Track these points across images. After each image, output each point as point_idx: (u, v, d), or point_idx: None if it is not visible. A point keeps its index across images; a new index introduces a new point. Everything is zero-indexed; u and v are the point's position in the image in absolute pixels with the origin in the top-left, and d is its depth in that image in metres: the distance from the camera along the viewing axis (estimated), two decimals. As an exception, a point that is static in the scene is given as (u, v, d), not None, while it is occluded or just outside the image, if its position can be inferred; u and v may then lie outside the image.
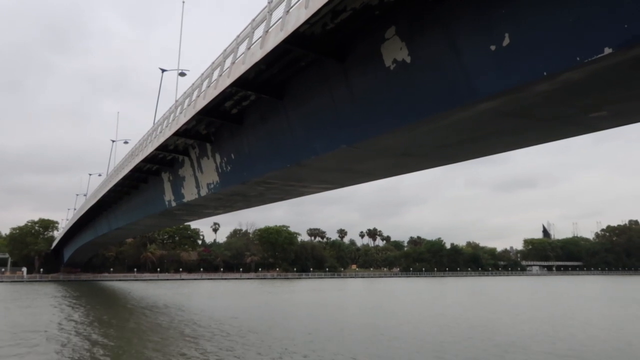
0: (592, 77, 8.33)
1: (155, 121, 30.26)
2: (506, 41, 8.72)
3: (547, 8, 8.03)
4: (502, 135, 12.41)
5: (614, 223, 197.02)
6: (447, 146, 13.84)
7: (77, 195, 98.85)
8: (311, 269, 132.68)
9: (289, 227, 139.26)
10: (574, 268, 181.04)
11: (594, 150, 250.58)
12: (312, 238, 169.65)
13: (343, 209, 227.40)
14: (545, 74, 8.34)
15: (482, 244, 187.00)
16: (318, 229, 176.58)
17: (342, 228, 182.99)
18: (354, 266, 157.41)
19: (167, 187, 29.52)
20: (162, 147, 24.61)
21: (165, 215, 35.31)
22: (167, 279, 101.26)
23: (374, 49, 11.59)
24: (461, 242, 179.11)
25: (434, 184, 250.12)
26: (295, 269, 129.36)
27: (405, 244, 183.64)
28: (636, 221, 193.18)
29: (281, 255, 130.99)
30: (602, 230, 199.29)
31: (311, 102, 14.84)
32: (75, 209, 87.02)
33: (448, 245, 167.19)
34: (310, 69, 14.38)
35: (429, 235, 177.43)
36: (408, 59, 10.74)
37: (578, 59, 7.77)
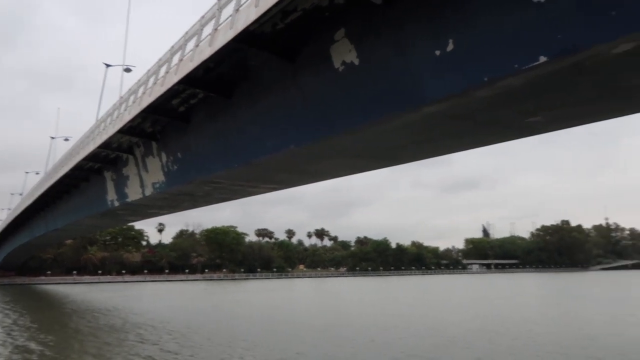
0: (529, 83, 8.81)
1: (98, 118, 29.15)
2: (450, 47, 9.07)
3: (488, 17, 8.42)
4: (447, 137, 12.88)
5: (548, 223, 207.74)
6: (395, 147, 14.20)
7: (12, 194, 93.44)
8: (258, 270, 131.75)
9: (236, 227, 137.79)
10: (510, 266, 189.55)
11: (531, 154, 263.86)
12: (260, 238, 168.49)
13: (292, 209, 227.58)
14: (486, 79, 8.74)
15: (426, 244, 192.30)
16: (266, 229, 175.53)
17: (291, 228, 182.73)
18: (301, 266, 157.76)
19: (110, 186, 28.48)
20: (105, 145, 23.72)
21: (108, 216, 34.05)
22: (109, 282, 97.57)
23: (323, 50, 11.71)
24: (406, 242, 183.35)
25: (381, 185, 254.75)
26: (242, 270, 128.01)
27: (353, 244, 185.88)
28: (567, 221, 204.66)
29: (228, 255, 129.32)
30: (537, 230, 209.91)
31: (261, 101, 14.79)
32: (9, 209, 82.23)
33: (393, 245, 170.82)
34: (260, 69, 14.33)
35: (376, 235, 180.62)
36: (357, 61, 10.94)
37: (516, 66, 8.20)
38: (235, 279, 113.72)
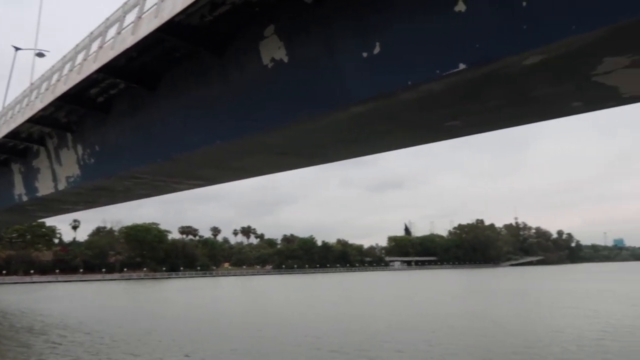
0: (449, 89, 9.24)
1: (5, 105, 26.91)
2: (377, 49, 9.31)
3: (412, 23, 8.74)
4: (372, 138, 13.21)
5: (464, 222, 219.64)
6: (322, 146, 14.34)
7: None
8: (182, 268, 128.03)
9: (159, 224, 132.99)
10: (430, 263, 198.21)
11: (451, 156, 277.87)
12: (184, 236, 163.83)
13: (219, 207, 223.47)
14: (409, 83, 9.06)
15: (351, 242, 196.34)
16: (190, 227, 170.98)
17: (216, 226, 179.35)
18: (226, 264, 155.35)
19: (18, 179, 26.39)
20: (13, 135, 21.94)
21: (15, 211, 31.51)
22: (15, 282, 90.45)
23: (252, 46, 11.59)
24: (332, 240, 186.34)
25: (309, 183, 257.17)
26: (164, 269, 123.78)
27: (279, 242, 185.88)
28: (482, 220, 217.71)
29: (149, 254, 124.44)
30: (454, 228, 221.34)
31: (187, 95, 14.37)
32: None
33: (320, 243, 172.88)
34: (187, 61, 13.92)
35: (303, 233, 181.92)
36: (286, 59, 10.93)
37: (438, 71, 8.57)
38: (157, 278, 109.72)
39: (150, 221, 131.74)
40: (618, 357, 17.27)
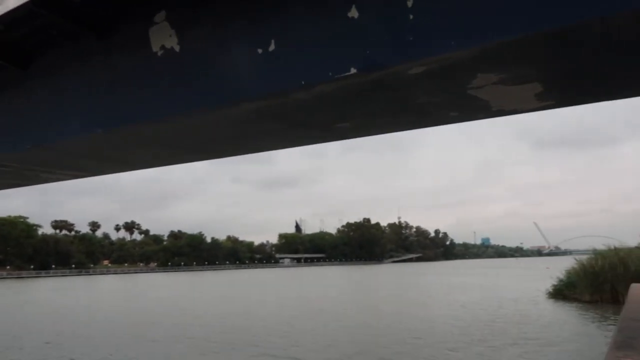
0: (341, 91, 9.52)
1: None
2: (272, 47, 9.30)
3: (307, 23, 8.87)
4: (266, 135, 13.16)
5: (353, 220, 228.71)
6: (211, 141, 13.98)
7: None
8: (53, 266, 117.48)
9: (27, 218, 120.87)
10: (318, 260, 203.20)
11: (343, 157, 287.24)
12: (58, 231, 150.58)
13: (100, 200, 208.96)
14: (303, 83, 9.18)
15: (242, 239, 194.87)
16: (65, 221, 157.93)
17: (96, 220, 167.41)
18: (106, 262, 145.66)
19: None
20: None
21: None
22: None
23: (142, 32, 10.94)
24: (222, 237, 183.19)
25: (200, 179, 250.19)
26: (32, 267, 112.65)
27: (166, 239, 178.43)
28: (369, 219, 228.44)
29: (15, 250, 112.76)
30: (342, 226, 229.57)
31: (65, 78, 13.17)
32: None
33: (209, 240, 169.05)
34: (66, 41, 12.74)
35: (193, 229, 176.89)
36: (177, 48, 10.49)
37: (330, 74, 8.78)
38: (22, 277, 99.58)
39: (18, 214, 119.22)
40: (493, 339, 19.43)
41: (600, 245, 54.21)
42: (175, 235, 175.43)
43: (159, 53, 10.78)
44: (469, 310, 32.69)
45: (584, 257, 49.17)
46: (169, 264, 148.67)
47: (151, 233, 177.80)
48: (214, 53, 10.10)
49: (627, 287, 33.30)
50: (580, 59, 7.72)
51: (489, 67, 7.98)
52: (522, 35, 6.79)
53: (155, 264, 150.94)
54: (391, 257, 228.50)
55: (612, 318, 29.61)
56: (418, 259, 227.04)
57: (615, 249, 50.27)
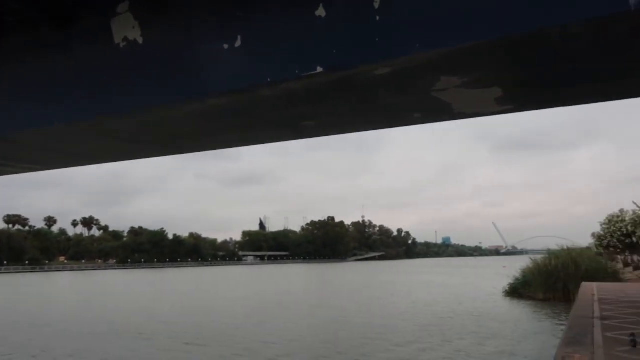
0: (307, 90, 9.54)
1: None
2: (238, 42, 9.22)
3: (276, 20, 8.85)
4: (231, 132, 13.03)
5: (317, 219, 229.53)
6: (178, 136, 13.74)
7: None
8: (5, 262, 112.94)
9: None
10: (282, 257, 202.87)
11: (308, 156, 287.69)
12: (10, 226, 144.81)
13: (57, 194, 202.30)
14: (269, 80, 9.15)
15: (205, 236, 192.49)
16: (19, 216, 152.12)
17: (53, 215, 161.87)
18: (62, 258, 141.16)
19: None
20: None
21: None
22: None
23: (104, 22, 10.65)
24: (185, 234, 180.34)
25: (163, 174, 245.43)
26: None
27: (126, 235, 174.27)
28: (333, 217, 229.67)
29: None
30: (307, 224, 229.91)
31: (22, 67, 12.67)
32: None
33: (171, 236, 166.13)
34: (26, 28, 12.25)
35: (154, 225, 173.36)
36: (141, 40, 10.27)
37: (297, 72, 8.80)
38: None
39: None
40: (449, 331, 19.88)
41: (554, 245, 56.66)
42: (136, 232, 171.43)
43: (122, 45, 10.53)
44: (429, 308, 33.49)
45: (539, 257, 51.01)
46: (129, 260, 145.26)
47: (111, 229, 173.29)
48: (178, 46, 9.94)
49: (578, 286, 34.82)
50: (538, 65, 8.01)
51: (451, 70, 8.17)
52: (482, 40, 6.99)
53: (115, 260, 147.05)
54: (355, 255, 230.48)
55: (564, 315, 30.83)
56: (381, 258, 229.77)
57: (568, 249, 52.50)
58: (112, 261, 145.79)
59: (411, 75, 8.48)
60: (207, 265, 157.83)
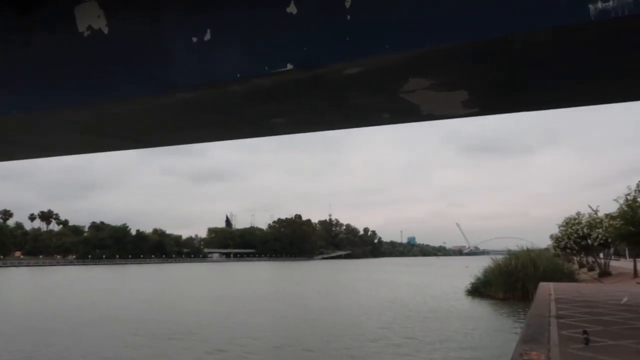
0: (277, 87, 9.49)
1: None
2: (208, 36, 9.08)
3: (244, 16, 8.75)
4: (199, 127, 12.83)
5: (284, 217, 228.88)
6: (141, 130, 13.44)
7: None
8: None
9: None
10: (248, 255, 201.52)
11: (276, 153, 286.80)
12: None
13: (14, 187, 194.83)
14: (238, 75, 9.05)
15: (170, 232, 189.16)
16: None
17: (8, 209, 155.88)
18: (18, 253, 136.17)
19: None
20: None
21: None
22: None
23: (67, 10, 10.30)
24: (149, 229, 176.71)
25: (127, 168, 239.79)
26: None
27: (87, 230, 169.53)
28: (300, 216, 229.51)
29: None
30: (274, 222, 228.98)
31: (-23, 53, 12.11)
32: None
33: (134, 232, 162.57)
34: (-21, 12, 11.72)
35: (117, 220, 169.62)
36: (106, 30, 9.97)
37: (266, 68, 8.73)
38: None
39: None
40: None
41: (514, 246, 58.30)
42: (97, 227, 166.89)
43: (86, 34, 10.20)
44: (394, 306, 34.04)
45: (500, 257, 52.40)
46: (89, 256, 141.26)
47: (70, 224, 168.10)
48: (145, 38, 9.70)
49: (536, 286, 35.93)
50: (503, 70, 8.21)
51: (419, 72, 8.28)
52: (450, 44, 7.11)
53: (74, 256, 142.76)
54: (321, 253, 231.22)
55: (522, 314, 31.80)
56: (347, 256, 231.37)
57: (527, 250, 54.18)
58: (71, 257, 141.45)
59: (380, 76, 8.54)
60: (171, 262, 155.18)
